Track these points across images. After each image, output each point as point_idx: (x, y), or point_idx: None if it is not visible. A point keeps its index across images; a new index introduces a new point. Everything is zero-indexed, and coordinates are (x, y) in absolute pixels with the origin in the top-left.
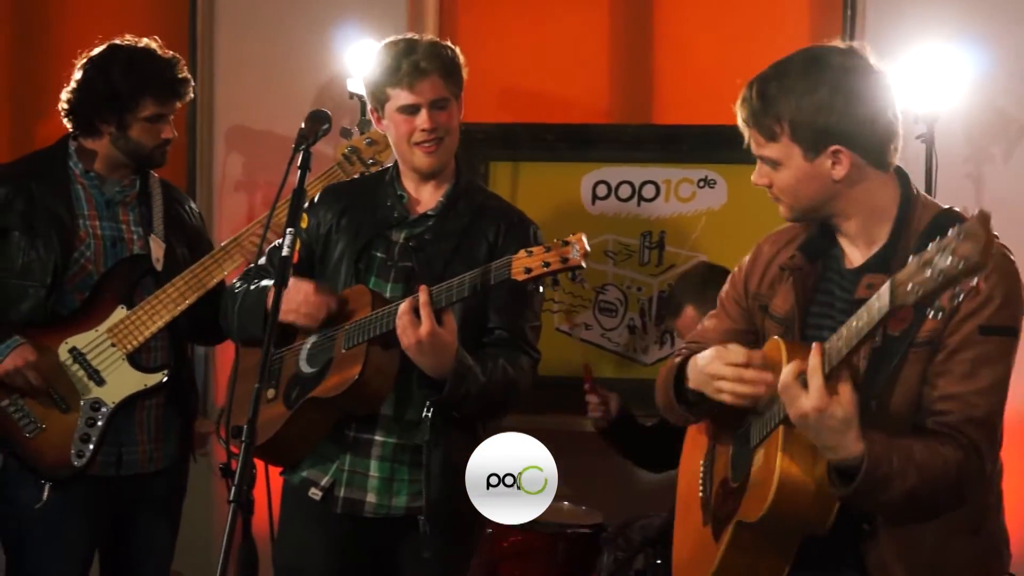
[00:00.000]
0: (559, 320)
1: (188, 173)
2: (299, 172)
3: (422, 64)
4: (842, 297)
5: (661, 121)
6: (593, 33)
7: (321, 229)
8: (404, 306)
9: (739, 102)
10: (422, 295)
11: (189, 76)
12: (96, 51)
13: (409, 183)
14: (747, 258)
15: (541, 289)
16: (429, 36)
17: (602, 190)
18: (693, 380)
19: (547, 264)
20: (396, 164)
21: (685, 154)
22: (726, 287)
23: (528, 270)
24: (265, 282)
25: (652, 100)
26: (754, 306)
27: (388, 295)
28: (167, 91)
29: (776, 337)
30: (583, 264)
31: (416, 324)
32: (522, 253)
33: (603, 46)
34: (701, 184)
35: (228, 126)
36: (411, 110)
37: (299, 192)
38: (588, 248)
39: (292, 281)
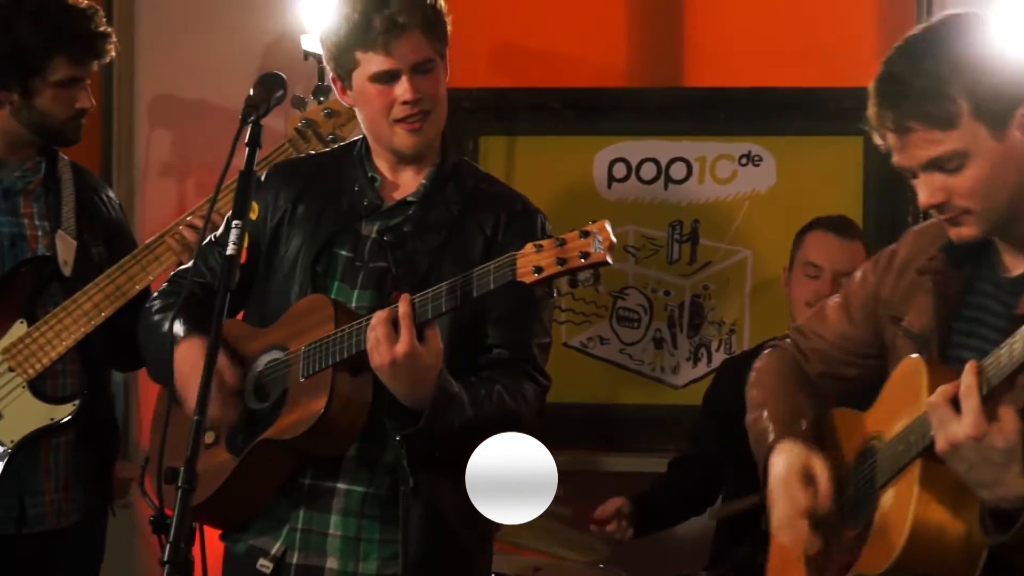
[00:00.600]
0: (567, 333)
1: (103, 155)
2: (247, 150)
3: (399, 19)
4: (997, 311)
5: (693, 83)
6: None
7: (270, 220)
8: (380, 315)
9: (878, 100)
10: (402, 305)
11: (110, 31)
12: None
13: (383, 162)
14: (886, 253)
15: (554, 295)
16: None
17: (620, 170)
18: (770, 465)
19: (562, 261)
20: (365, 138)
21: (723, 124)
22: (857, 279)
23: (538, 269)
24: (176, 326)
25: (681, 58)
26: (884, 315)
27: (354, 305)
28: (84, 48)
29: (915, 356)
30: (609, 260)
31: (392, 339)
32: (529, 248)
33: None
34: (743, 161)
35: (152, 96)
36: (388, 78)
37: (247, 176)
38: (614, 239)
39: (185, 347)
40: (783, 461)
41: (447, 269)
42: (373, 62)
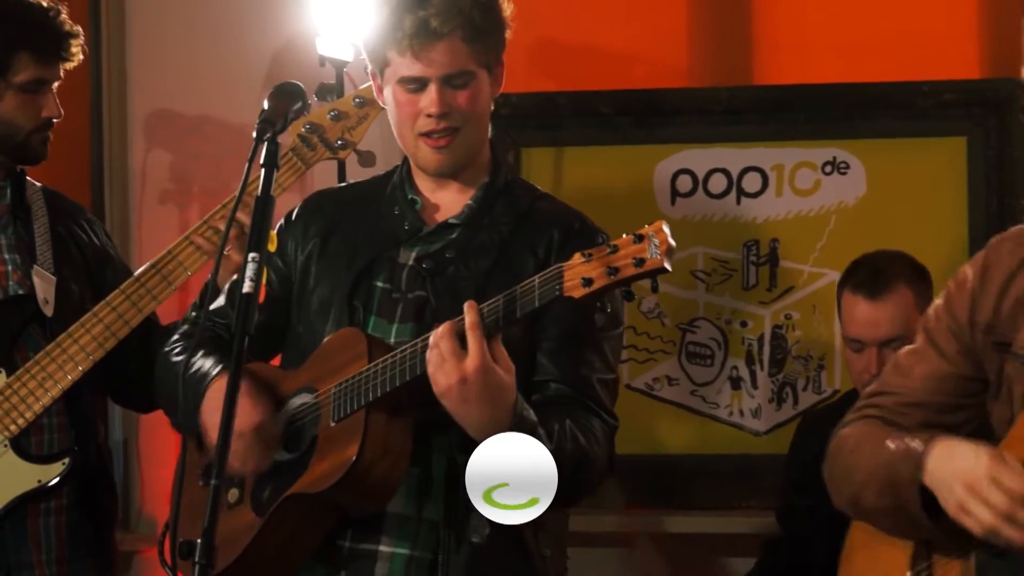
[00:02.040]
0: (630, 373)
1: (93, 180)
2: (262, 172)
3: (433, 23)
4: None
5: (765, 81)
6: None
7: (300, 255)
8: (444, 329)
9: None
10: (469, 314)
11: (78, 30)
12: None
13: (424, 182)
14: (970, 271)
15: (620, 326)
16: None
17: (685, 183)
18: (931, 475)
19: (614, 270)
20: (406, 159)
21: (803, 127)
22: (935, 311)
23: (588, 281)
24: (207, 363)
25: (751, 52)
26: (985, 343)
27: (392, 340)
28: (49, 46)
29: None
30: (667, 265)
31: (460, 355)
32: (577, 258)
33: None
34: (828, 169)
35: (147, 112)
36: (415, 85)
37: (264, 202)
38: (672, 242)
39: (219, 386)
40: (960, 453)
41: (493, 297)
42: (402, 65)
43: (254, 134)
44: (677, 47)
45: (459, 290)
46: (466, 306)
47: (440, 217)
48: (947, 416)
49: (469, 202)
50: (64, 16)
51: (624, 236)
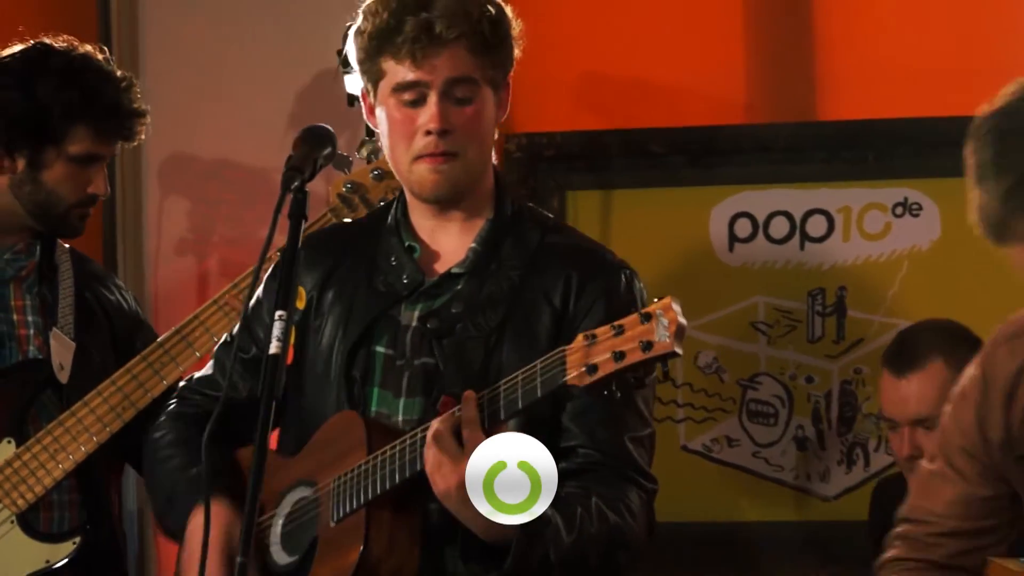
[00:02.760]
0: (687, 433)
1: (104, 230)
2: (290, 224)
3: (437, 26)
4: None
5: (830, 116)
6: None
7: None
8: (437, 427)
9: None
10: (466, 408)
11: (146, 109)
12: (13, 50)
13: (423, 221)
14: (971, 380)
15: (655, 374)
16: None
17: (744, 227)
18: None
19: (620, 355)
20: (402, 195)
21: (871, 165)
22: (946, 430)
23: (592, 368)
24: (188, 477)
25: (814, 85)
26: (1005, 460)
27: (400, 419)
28: (112, 122)
29: None
30: (676, 350)
31: (458, 455)
32: (580, 341)
33: (735, 5)
34: (898, 211)
35: (163, 155)
36: (414, 96)
37: (291, 255)
38: (683, 320)
39: (197, 521)
40: None
41: (508, 359)
42: (398, 72)
43: (281, 182)
44: (735, 81)
45: (468, 354)
46: (464, 398)
47: (442, 266)
48: (983, 539)
49: (473, 245)
50: (135, 91)
51: (631, 315)
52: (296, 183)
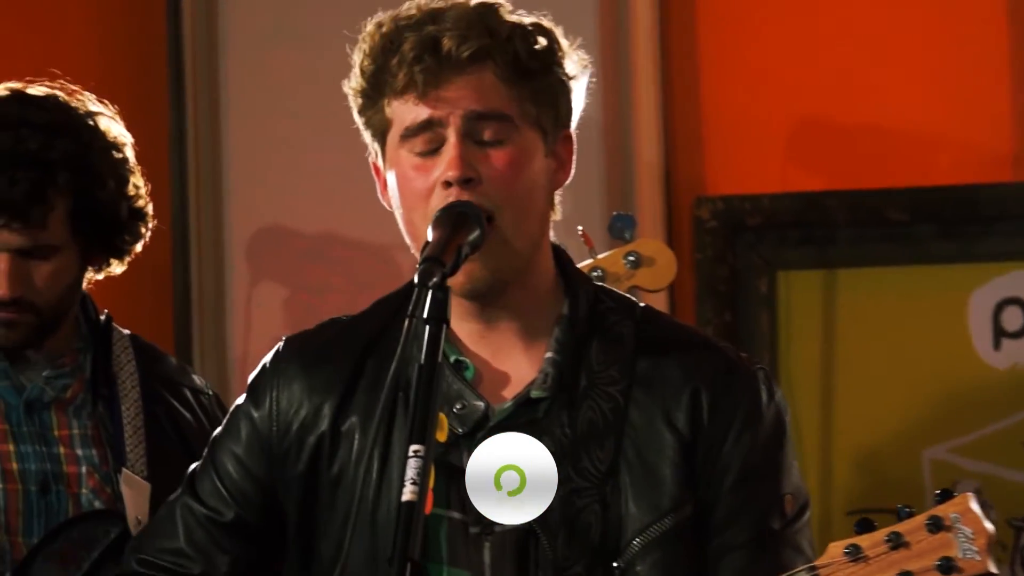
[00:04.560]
0: None
1: (176, 329)
2: (428, 331)
3: (446, 42)
4: None
5: None
6: (974, 14)
7: (278, 435)
8: None
9: None
10: None
11: (54, 203)
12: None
13: (465, 321)
14: None
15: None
16: None
17: (1014, 317)
18: None
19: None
20: None
21: None
22: None
23: None
24: None
25: None
26: None
27: None
28: None
29: None
30: (992, 569)
31: None
32: (836, 554)
33: (1000, 35)
34: None
35: (251, 232)
36: (425, 140)
37: (429, 372)
38: (990, 527)
39: None
40: None
41: (631, 515)
42: (403, 113)
43: (415, 278)
44: (997, 127)
45: (578, 512)
46: None
47: (509, 388)
48: None
49: (549, 355)
50: (57, 135)
51: (912, 517)
52: (435, 278)
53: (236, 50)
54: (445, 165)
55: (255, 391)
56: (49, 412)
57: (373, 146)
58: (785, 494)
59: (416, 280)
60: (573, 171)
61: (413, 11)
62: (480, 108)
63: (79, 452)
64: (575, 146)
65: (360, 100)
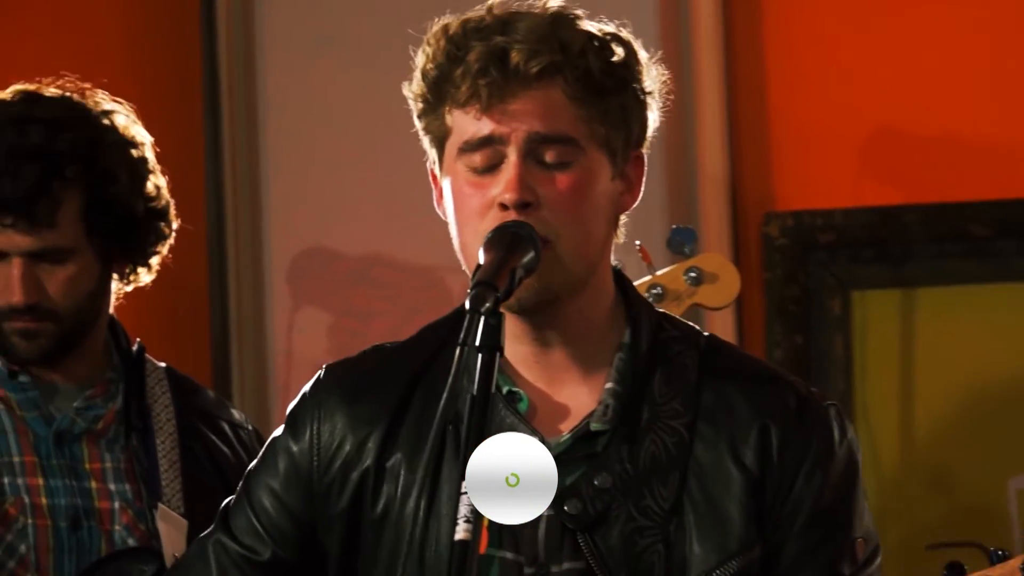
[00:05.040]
0: None
1: (214, 358)
2: (481, 360)
3: (515, 55)
4: None
5: None
6: None
7: (320, 472)
8: None
9: None
10: None
11: (61, 195)
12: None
13: (518, 346)
14: None
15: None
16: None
17: None
18: None
19: None
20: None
21: None
22: None
23: None
24: None
25: None
26: None
27: None
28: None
29: None
30: None
31: None
32: None
33: None
34: None
35: (293, 254)
36: (484, 156)
37: (483, 404)
38: None
39: None
40: None
41: (696, 557)
42: (464, 125)
43: (466, 303)
44: None
45: (640, 552)
46: None
47: (566, 420)
48: None
49: (610, 385)
50: (61, 167)
51: (1005, 561)
52: (488, 304)
53: (275, 58)
54: (503, 185)
55: (294, 423)
56: (80, 444)
57: (431, 152)
58: (856, 538)
59: (467, 306)
60: (642, 193)
61: (484, 16)
62: (544, 130)
63: (112, 487)
64: (646, 167)
65: (420, 105)
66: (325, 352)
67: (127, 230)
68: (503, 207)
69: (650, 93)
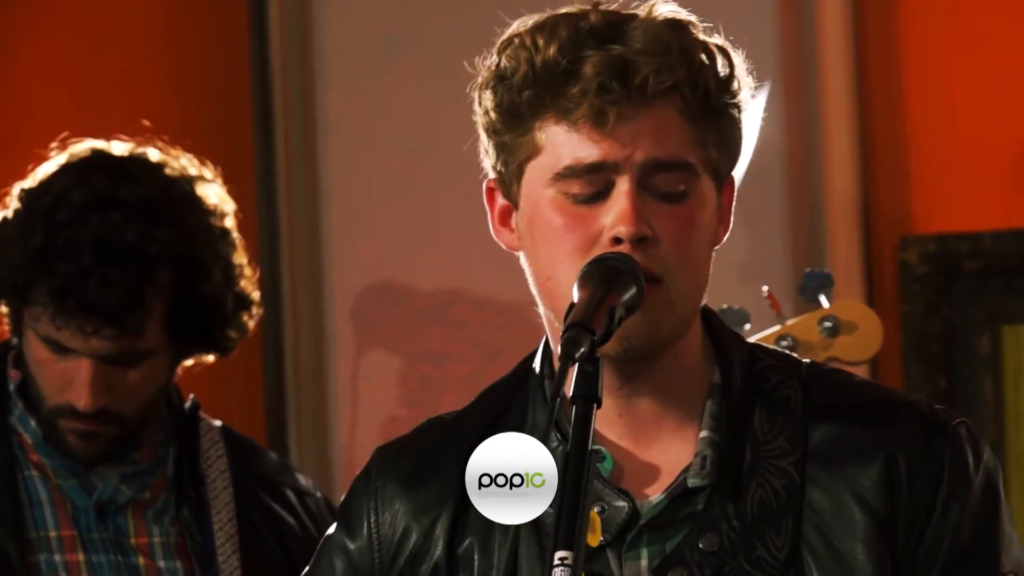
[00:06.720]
0: None
1: (269, 410)
2: (575, 412)
3: (642, 67)
4: None
5: None
6: None
7: (382, 559)
8: None
9: None
10: None
11: (146, 303)
12: (50, 165)
13: (604, 400)
14: None
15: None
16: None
17: None
18: None
19: None
20: (548, 361)
21: None
22: None
23: None
24: None
25: None
26: None
27: None
28: (70, 295)
29: None
30: None
31: None
32: None
33: None
34: None
35: (359, 289)
36: (591, 183)
37: (579, 463)
38: None
39: None
40: None
41: None
42: (568, 145)
43: (559, 347)
44: None
45: None
46: None
47: (659, 481)
48: None
49: (704, 434)
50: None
51: None
52: (583, 349)
53: (334, 75)
54: (616, 217)
55: (348, 518)
56: (124, 516)
57: (496, 169)
58: (1006, 574)
59: (560, 351)
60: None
61: (591, 16)
62: (662, 156)
63: (161, 564)
64: (735, 195)
65: (500, 117)
66: (396, 402)
67: (212, 328)
68: (616, 241)
69: (744, 108)
